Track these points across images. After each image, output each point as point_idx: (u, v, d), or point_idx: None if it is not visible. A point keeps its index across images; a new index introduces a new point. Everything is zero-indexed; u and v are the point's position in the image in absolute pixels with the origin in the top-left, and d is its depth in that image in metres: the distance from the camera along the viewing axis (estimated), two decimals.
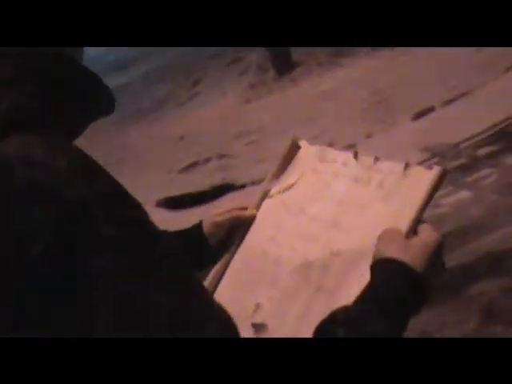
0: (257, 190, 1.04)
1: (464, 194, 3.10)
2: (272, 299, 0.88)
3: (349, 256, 0.83)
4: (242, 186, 4.33)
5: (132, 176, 5.98)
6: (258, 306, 0.88)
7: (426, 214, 0.79)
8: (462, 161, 3.49)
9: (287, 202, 0.98)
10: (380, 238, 0.76)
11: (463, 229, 2.82)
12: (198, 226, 1.02)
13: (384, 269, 0.73)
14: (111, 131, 6.80)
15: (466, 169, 3.37)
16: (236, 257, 1.00)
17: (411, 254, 0.72)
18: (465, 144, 3.65)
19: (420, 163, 3.87)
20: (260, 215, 1.01)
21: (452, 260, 2.58)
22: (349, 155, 0.93)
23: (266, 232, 0.98)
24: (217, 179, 4.65)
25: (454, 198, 3.10)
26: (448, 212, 3.02)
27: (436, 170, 0.79)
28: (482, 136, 3.65)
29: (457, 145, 3.67)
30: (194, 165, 5.18)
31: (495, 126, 3.68)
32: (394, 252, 0.73)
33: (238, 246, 1.00)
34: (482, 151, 3.50)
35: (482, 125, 3.75)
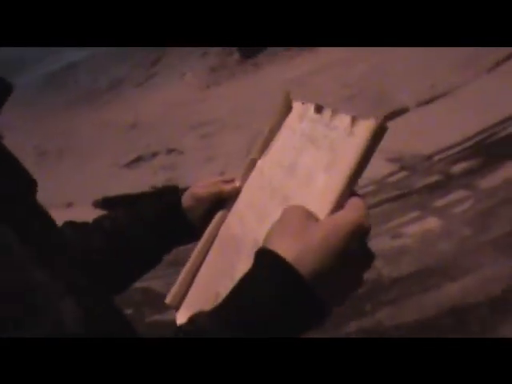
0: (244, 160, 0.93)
1: (431, 223, 2.64)
2: (227, 289, 0.72)
3: None
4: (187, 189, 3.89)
5: (71, 168, 5.61)
6: (217, 296, 0.77)
7: (381, 244, 0.58)
8: (433, 178, 3.03)
9: (263, 174, 0.88)
10: (280, 217, 0.63)
11: (426, 270, 2.36)
12: (176, 199, 0.93)
13: (261, 262, 0.61)
14: (58, 114, 6.37)
15: (436, 189, 2.91)
16: (217, 239, 0.91)
17: (305, 246, 0.58)
18: (438, 156, 3.19)
19: (386, 176, 3.48)
20: (245, 190, 0.91)
21: (408, 313, 2.18)
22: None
23: (242, 211, 0.88)
24: (160, 179, 4.25)
25: (419, 226, 2.65)
26: (410, 245, 2.57)
27: (371, 122, 0.63)
28: (459, 148, 3.19)
29: (430, 157, 3.21)
30: (138, 160, 4.78)
31: (474, 136, 3.22)
32: (279, 241, 0.60)
33: (219, 225, 0.91)
34: (456, 168, 3.04)
35: (459, 133, 3.29)
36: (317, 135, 0.75)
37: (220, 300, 0.73)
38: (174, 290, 0.90)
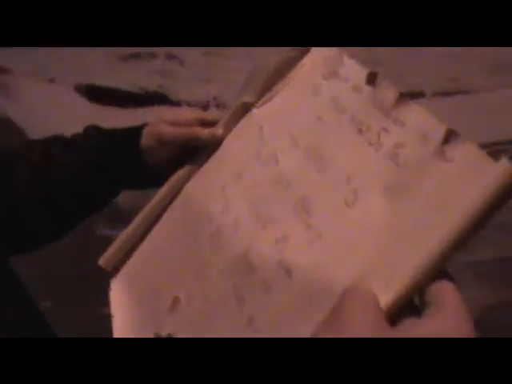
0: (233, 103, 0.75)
1: None
2: (191, 298, 0.62)
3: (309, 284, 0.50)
4: (177, 103, 3.72)
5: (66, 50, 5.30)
6: (175, 301, 0.64)
7: None
8: None
9: (263, 134, 0.68)
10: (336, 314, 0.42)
11: None
12: (136, 133, 0.75)
13: None
14: None
15: None
16: (176, 204, 0.74)
17: None
18: None
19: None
20: (231, 145, 0.72)
21: None
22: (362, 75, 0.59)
23: (223, 176, 0.68)
24: (152, 84, 4.02)
25: None
26: None
27: (504, 165, 0.42)
28: None
29: None
30: (136, 55, 4.54)
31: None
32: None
33: (183, 183, 0.73)
34: None
35: (469, 136, 3.13)
36: (364, 119, 0.56)
37: (176, 310, 0.63)
38: (110, 251, 0.77)
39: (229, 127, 0.75)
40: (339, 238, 0.51)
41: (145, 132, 0.76)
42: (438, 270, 0.42)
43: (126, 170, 0.77)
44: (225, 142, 0.74)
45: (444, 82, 3.81)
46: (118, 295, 0.73)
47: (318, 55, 0.70)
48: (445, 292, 0.41)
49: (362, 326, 0.41)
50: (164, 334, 0.62)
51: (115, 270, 0.77)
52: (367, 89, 0.58)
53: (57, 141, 0.79)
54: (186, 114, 0.77)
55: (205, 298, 0.60)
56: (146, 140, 0.76)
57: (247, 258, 0.57)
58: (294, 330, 0.49)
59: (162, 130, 0.75)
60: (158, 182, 0.77)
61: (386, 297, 0.42)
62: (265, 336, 0.51)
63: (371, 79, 0.59)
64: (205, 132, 0.75)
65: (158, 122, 0.76)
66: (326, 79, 0.65)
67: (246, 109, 0.74)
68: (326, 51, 0.68)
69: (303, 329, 0.47)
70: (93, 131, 0.79)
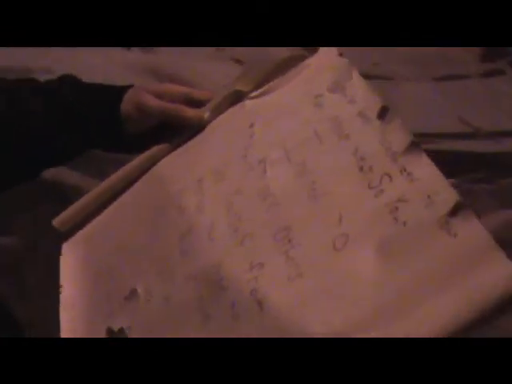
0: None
1: None
2: (150, 296, 0.57)
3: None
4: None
5: None
6: (132, 293, 0.58)
7: None
8: None
9: (254, 133, 0.63)
10: None
11: None
12: (117, 95, 0.69)
13: None
14: None
15: None
16: (144, 181, 0.68)
17: None
18: None
19: None
20: (213, 127, 0.67)
21: None
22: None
23: (202, 167, 0.63)
24: None
25: None
26: None
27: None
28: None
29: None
30: None
31: None
32: None
33: (156, 160, 0.68)
34: None
35: None
36: (367, 155, 0.52)
37: (132, 303, 0.59)
38: (67, 213, 0.70)
39: (216, 112, 0.69)
40: (321, 283, 0.47)
41: (126, 97, 0.70)
42: None
43: (98, 130, 0.71)
44: (209, 127, 0.68)
45: (366, 65, 3.73)
46: (70, 262, 0.68)
47: (325, 60, 0.65)
48: None
49: None
50: (116, 327, 0.57)
51: (68, 233, 0.71)
52: (376, 122, 0.54)
53: (28, 84, 0.73)
54: (173, 88, 0.71)
55: (166, 300, 0.56)
56: (125, 105, 0.70)
57: (218, 274, 0.53)
58: None
59: (143, 100, 0.69)
60: (133, 151, 0.72)
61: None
62: None
63: (382, 113, 0.54)
64: (190, 112, 0.69)
65: (141, 91, 0.71)
66: (330, 91, 0.61)
67: (238, 97, 0.69)
68: (335, 59, 0.64)
69: None
70: (69, 80, 0.72)
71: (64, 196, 1.28)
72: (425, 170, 0.48)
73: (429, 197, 0.46)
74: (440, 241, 0.44)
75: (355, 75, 0.59)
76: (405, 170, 0.49)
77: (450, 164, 0.64)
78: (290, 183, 0.55)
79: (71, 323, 0.60)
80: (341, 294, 0.45)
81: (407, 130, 0.51)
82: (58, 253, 0.69)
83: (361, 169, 0.51)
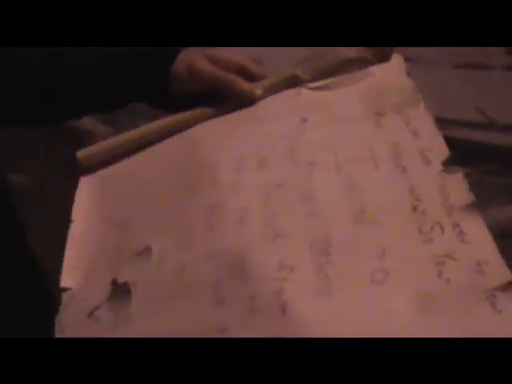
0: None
1: None
2: (165, 259, 0.55)
3: None
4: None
5: None
6: (146, 250, 0.56)
7: None
8: None
9: (306, 128, 0.61)
10: None
11: None
12: (171, 54, 0.69)
13: None
14: None
15: None
16: (179, 139, 0.66)
17: None
18: None
19: None
20: (264, 107, 0.66)
21: None
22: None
23: (245, 146, 0.61)
24: None
25: None
26: None
27: None
28: None
29: None
30: None
31: None
32: None
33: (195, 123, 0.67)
34: None
35: None
36: (423, 198, 0.51)
37: (144, 261, 0.56)
38: (93, 148, 0.69)
39: (270, 91, 0.68)
40: (349, 310, 0.45)
41: (180, 56, 0.70)
42: None
43: (147, 84, 0.71)
44: (259, 105, 0.67)
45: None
46: (85, 199, 0.66)
47: (392, 75, 0.64)
48: None
49: None
50: (121, 280, 0.55)
51: (90, 170, 0.69)
52: (438, 167, 0.52)
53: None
54: (231, 56, 0.70)
55: (180, 270, 0.53)
56: (177, 64, 0.70)
57: (243, 261, 0.51)
58: None
59: (196, 63, 0.69)
60: (177, 111, 0.70)
61: None
62: None
63: (447, 162, 0.53)
64: (242, 84, 0.67)
65: (196, 53, 0.70)
66: (394, 112, 0.59)
67: (295, 82, 0.67)
68: (403, 78, 0.62)
69: None
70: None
71: (78, 140, 1.29)
72: (479, 234, 0.47)
73: (478, 264, 0.45)
74: (483, 311, 0.43)
75: (422, 106, 0.58)
76: (458, 227, 0.47)
77: (463, 153, 0.63)
78: (336, 195, 0.54)
79: (75, 261, 0.59)
80: (368, 328, 0.44)
81: (467, 187, 0.50)
82: (70, 190, 0.68)
83: (414, 209, 0.50)
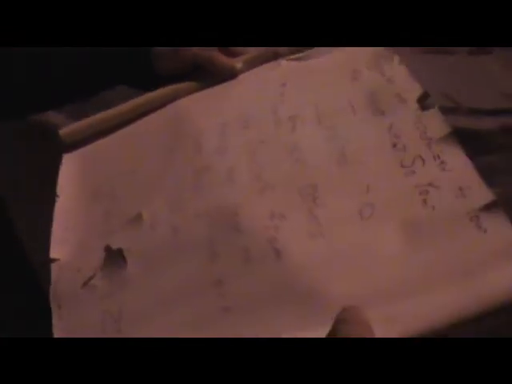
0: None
1: None
2: (157, 223, 0.56)
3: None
4: None
5: None
6: (137, 217, 0.57)
7: None
8: None
9: (286, 91, 0.63)
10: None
11: None
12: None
13: None
14: None
15: None
16: (163, 112, 0.68)
17: None
18: None
19: None
20: (244, 79, 0.68)
21: None
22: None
23: (228, 112, 0.64)
24: None
25: None
26: None
27: None
28: None
29: None
30: None
31: None
32: None
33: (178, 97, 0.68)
34: None
35: None
36: (401, 134, 0.53)
37: (144, 234, 0.56)
38: (76, 125, 0.70)
39: (250, 65, 0.70)
40: (342, 247, 0.48)
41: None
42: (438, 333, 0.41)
43: (129, 63, 0.72)
44: (240, 77, 0.70)
45: None
46: (69, 173, 0.67)
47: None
48: None
49: None
50: (115, 246, 0.56)
51: (72, 147, 0.70)
52: (413, 105, 0.55)
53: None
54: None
55: (173, 231, 0.55)
56: (161, 49, 0.72)
57: (234, 216, 0.52)
58: (262, 313, 0.47)
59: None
60: (152, 87, 0.72)
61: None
62: (226, 305, 0.48)
63: (422, 99, 0.55)
64: (223, 59, 0.70)
65: None
66: (368, 69, 0.61)
67: (273, 56, 0.70)
68: (374, 48, 0.64)
69: (271, 317, 0.46)
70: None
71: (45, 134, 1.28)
72: (459, 162, 0.49)
73: (460, 189, 0.47)
74: (468, 232, 0.45)
75: (396, 59, 0.60)
76: (438, 157, 0.50)
77: None
78: (319, 144, 0.56)
79: (63, 232, 0.60)
80: (362, 261, 0.46)
81: (445, 120, 0.52)
82: (47, 185, 0.68)
83: (394, 145, 0.52)
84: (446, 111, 1.73)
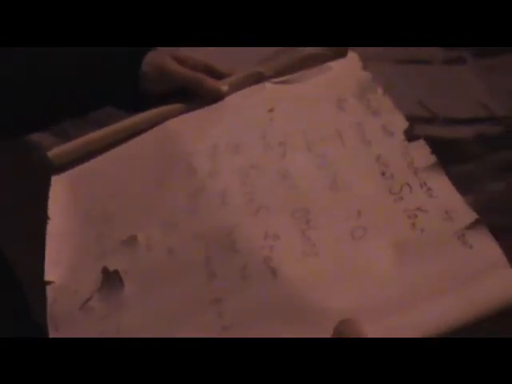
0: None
1: None
2: (152, 245, 0.57)
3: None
4: None
5: None
6: (132, 239, 0.58)
7: None
8: None
9: (274, 116, 0.65)
10: None
11: None
12: (138, 55, 0.72)
13: None
14: None
15: None
16: (153, 133, 0.69)
17: None
18: None
19: None
20: (231, 101, 0.70)
21: None
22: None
23: (218, 134, 0.65)
24: None
25: None
26: None
27: None
28: None
29: None
30: None
31: None
32: None
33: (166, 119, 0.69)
34: None
35: None
36: (389, 164, 0.56)
37: (140, 256, 0.57)
38: (65, 146, 0.71)
39: (235, 88, 0.72)
40: (336, 265, 0.50)
41: (147, 58, 0.73)
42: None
43: (116, 85, 0.73)
44: (227, 99, 0.71)
45: None
46: (59, 195, 0.67)
47: (349, 68, 0.69)
48: None
49: None
50: (112, 267, 0.57)
51: (61, 169, 0.70)
52: (400, 137, 0.57)
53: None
54: (196, 57, 0.74)
55: (169, 253, 0.56)
56: (146, 65, 0.72)
57: (230, 236, 0.54)
58: (261, 330, 0.48)
59: (164, 63, 0.72)
60: (139, 109, 0.73)
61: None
62: (226, 323, 0.49)
63: (407, 132, 0.57)
64: (209, 82, 0.72)
65: (164, 54, 0.73)
66: (354, 97, 0.64)
67: (258, 78, 0.72)
68: (359, 71, 0.67)
69: (270, 334, 0.47)
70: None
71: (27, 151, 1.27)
72: (444, 188, 0.52)
73: (447, 212, 0.50)
74: (455, 250, 0.47)
75: (380, 91, 0.62)
76: (425, 185, 0.52)
77: None
78: (310, 171, 0.58)
79: (56, 255, 0.60)
80: (356, 277, 0.48)
81: (430, 150, 0.54)
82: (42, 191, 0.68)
83: (383, 174, 0.55)
84: (422, 121, 1.77)
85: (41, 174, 0.71)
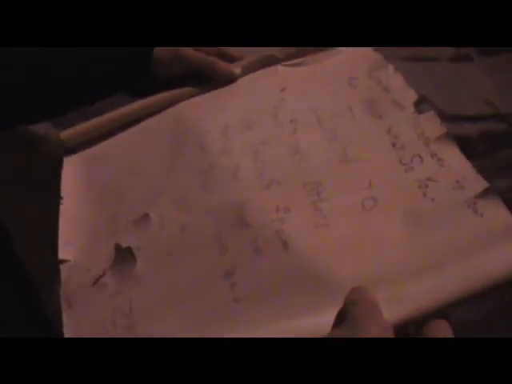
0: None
1: None
2: (165, 222, 0.58)
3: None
4: None
5: None
6: (144, 217, 0.59)
7: None
8: None
9: (286, 95, 0.66)
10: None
11: None
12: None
13: None
14: None
15: None
16: (164, 115, 0.70)
17: None
18: None
19: None
20: (243, 83, 0.71)
21: None
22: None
23: (229, 115, 0.66)
24: None
25: None
26: None
27: None
28: None
29: None
30: None
31: None
32: None
33: (180, 100, 0.71)
34: None
35: None
36: (400, 135, 0.57)
37: (153, 232, 0.58)
38: (77, 128, 0.72)
39: (248, 70, 0.73)
40: (347, 236, 0.51)
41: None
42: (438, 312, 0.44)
43: (129, 71, 0.74)
44: (239, 81, 0.73)
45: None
46: (72, 175, 0.68)
47: (360, 51, 0.70)
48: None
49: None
50: (124, 244, 0.58)
51: (73, 150, 0.71)
52: (410, 109, 0.59)
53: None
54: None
55: (182, 229, 0.57)
56: (158, 50, 0.73)
57: (242, 211, 0.55)
58: (274, 301, 0.49)
59: (179, 48, 0.73)
60: (150, 93, 0.74)
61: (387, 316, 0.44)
62: (238, 295, 0.50)
63: (418, 104, 0.59)
64: (222, 65, 0.73)
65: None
66: (364, 76, 0.65)
67: (270, 61, 0.73)
68: (370, 53, 0.68)
69: (283, 304, 0.48)
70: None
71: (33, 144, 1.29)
72: (455, 158, 0.53)
73: (458, 182, 0.51)
74: (466, 218, 0.48)
75: (391, 68, 0.64)
76: (436, 155, 0.54)
77: None
78: (321, 144, 0.59)
79: (70, 234, 0.61)
80: (367, 247, 0.49)
81: (440, 121, 0.56)
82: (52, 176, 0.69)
83: (393, 145, 0.56)
84: None
85: (52, 163, 0.73)
